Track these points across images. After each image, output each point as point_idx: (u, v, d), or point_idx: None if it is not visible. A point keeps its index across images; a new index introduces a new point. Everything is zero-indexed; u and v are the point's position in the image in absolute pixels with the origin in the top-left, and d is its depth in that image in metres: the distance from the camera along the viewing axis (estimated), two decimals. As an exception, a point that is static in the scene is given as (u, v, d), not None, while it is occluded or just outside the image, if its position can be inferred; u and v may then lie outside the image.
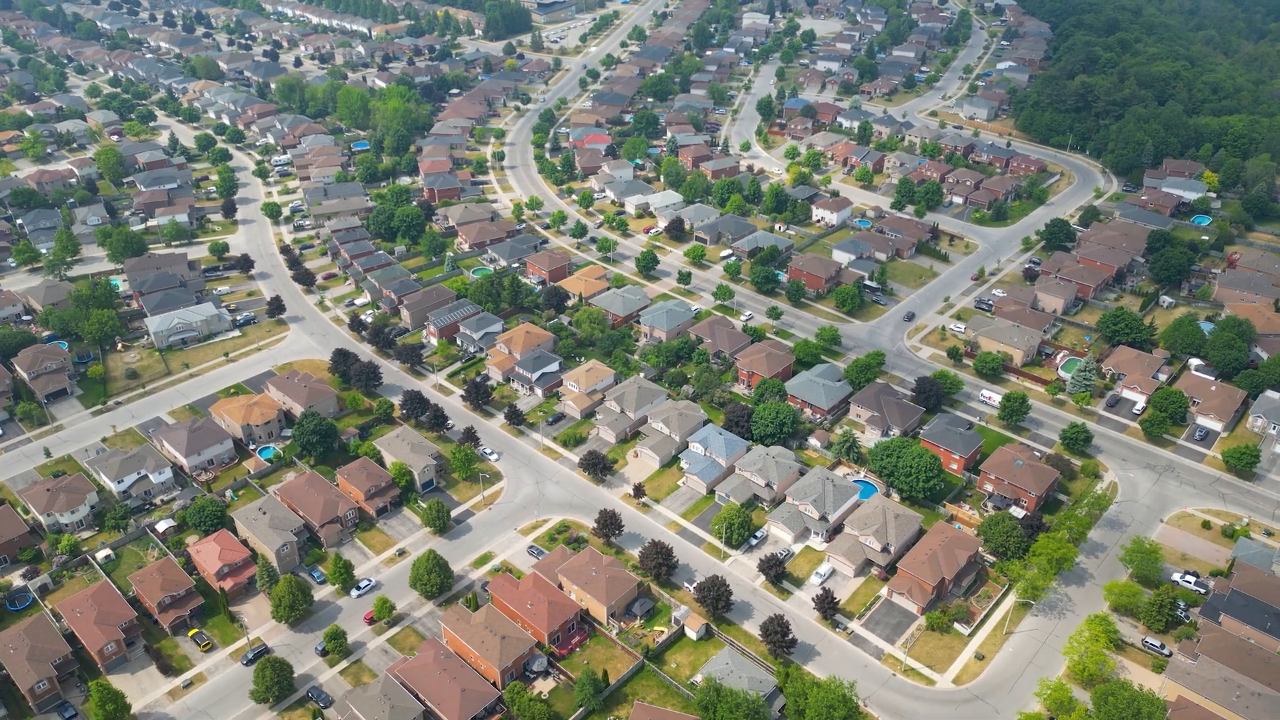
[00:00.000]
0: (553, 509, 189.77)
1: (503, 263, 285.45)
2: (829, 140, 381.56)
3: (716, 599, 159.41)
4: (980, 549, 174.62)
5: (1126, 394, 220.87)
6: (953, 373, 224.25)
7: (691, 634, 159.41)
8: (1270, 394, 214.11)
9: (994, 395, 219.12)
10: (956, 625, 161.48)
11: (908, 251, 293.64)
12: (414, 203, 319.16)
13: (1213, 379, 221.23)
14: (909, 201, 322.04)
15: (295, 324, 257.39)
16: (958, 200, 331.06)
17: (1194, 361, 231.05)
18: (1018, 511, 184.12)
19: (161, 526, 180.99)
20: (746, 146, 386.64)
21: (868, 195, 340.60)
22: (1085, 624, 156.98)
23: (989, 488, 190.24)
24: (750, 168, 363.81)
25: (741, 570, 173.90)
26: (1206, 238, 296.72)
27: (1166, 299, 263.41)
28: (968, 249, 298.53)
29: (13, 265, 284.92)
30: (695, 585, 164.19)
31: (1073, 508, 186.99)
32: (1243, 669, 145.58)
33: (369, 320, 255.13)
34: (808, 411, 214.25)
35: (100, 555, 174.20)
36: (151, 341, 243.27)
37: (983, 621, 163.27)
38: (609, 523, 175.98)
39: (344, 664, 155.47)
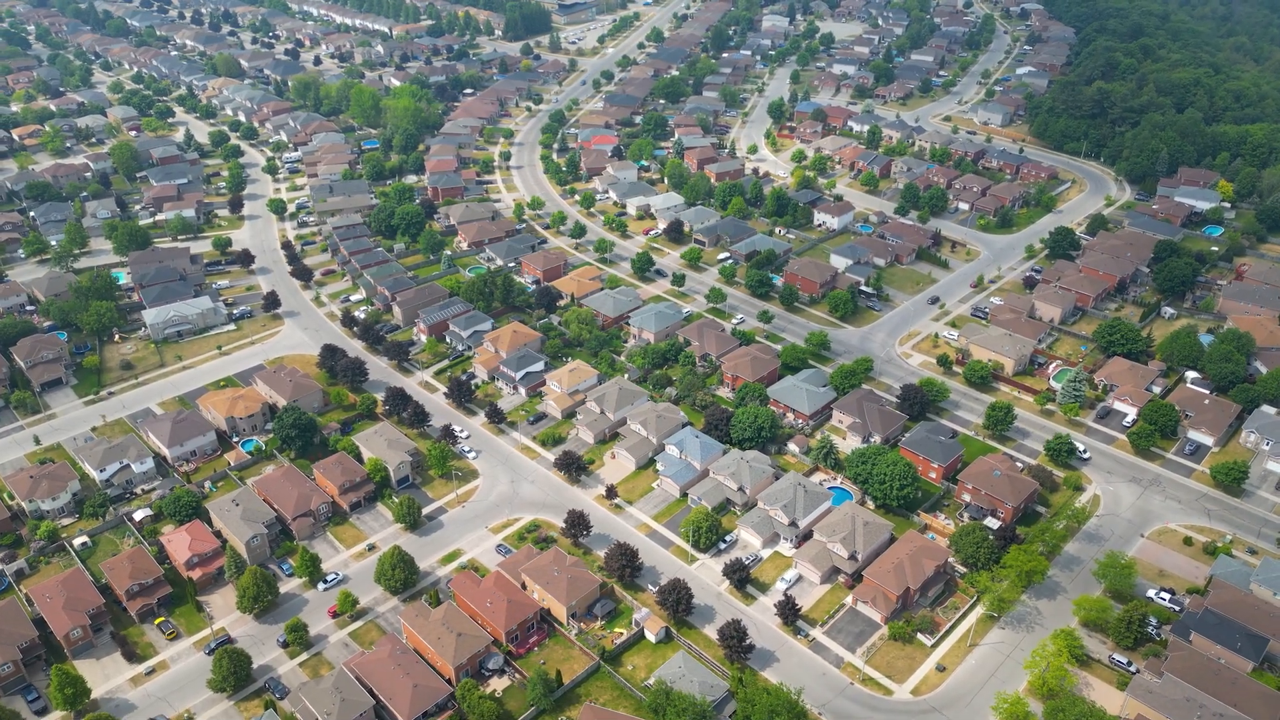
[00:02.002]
0: (526, 508, 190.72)
1: (499, 262, 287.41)
2: (837, 144, 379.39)
3: (677, 602, 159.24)
4: (950, 559, 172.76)
5: (1118, 406, 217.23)
6: (940, 380, 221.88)
7: (651, 636, 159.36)
8: (1265, 409, 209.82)
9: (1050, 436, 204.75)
10: (920, 635, 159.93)
11: (907, 257, 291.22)
12: (417, 201, 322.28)
13: (1207, 392, 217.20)
14: (913, 207, 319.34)
15: (290, 319, 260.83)
16: (964, 206, 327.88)
17: (1190, 374, 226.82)
18: (993, 522, 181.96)
19: (139, 515, 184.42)
20: (754, 149, 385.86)
21: (872, 200, 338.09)
22: (1050, 638, 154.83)
23: (966, 497, 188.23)
24: (755, 171, 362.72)
25: (708, 574, 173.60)
26: (1216, 248, 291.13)
27: (1168, 310, 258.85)
28: (969, 256, 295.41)
29: (23, 256, 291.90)
30: (657, 588, 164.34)
31: (1050, 520, 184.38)
32: (1209, 689, 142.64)
33: (361, 316, 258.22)
34: (790, 416, 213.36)
35: (77, 542, 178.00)
36: (148, 333, 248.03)
37: (947, 633, 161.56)
38: (577, 523, 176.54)
39: (304, 656, 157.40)
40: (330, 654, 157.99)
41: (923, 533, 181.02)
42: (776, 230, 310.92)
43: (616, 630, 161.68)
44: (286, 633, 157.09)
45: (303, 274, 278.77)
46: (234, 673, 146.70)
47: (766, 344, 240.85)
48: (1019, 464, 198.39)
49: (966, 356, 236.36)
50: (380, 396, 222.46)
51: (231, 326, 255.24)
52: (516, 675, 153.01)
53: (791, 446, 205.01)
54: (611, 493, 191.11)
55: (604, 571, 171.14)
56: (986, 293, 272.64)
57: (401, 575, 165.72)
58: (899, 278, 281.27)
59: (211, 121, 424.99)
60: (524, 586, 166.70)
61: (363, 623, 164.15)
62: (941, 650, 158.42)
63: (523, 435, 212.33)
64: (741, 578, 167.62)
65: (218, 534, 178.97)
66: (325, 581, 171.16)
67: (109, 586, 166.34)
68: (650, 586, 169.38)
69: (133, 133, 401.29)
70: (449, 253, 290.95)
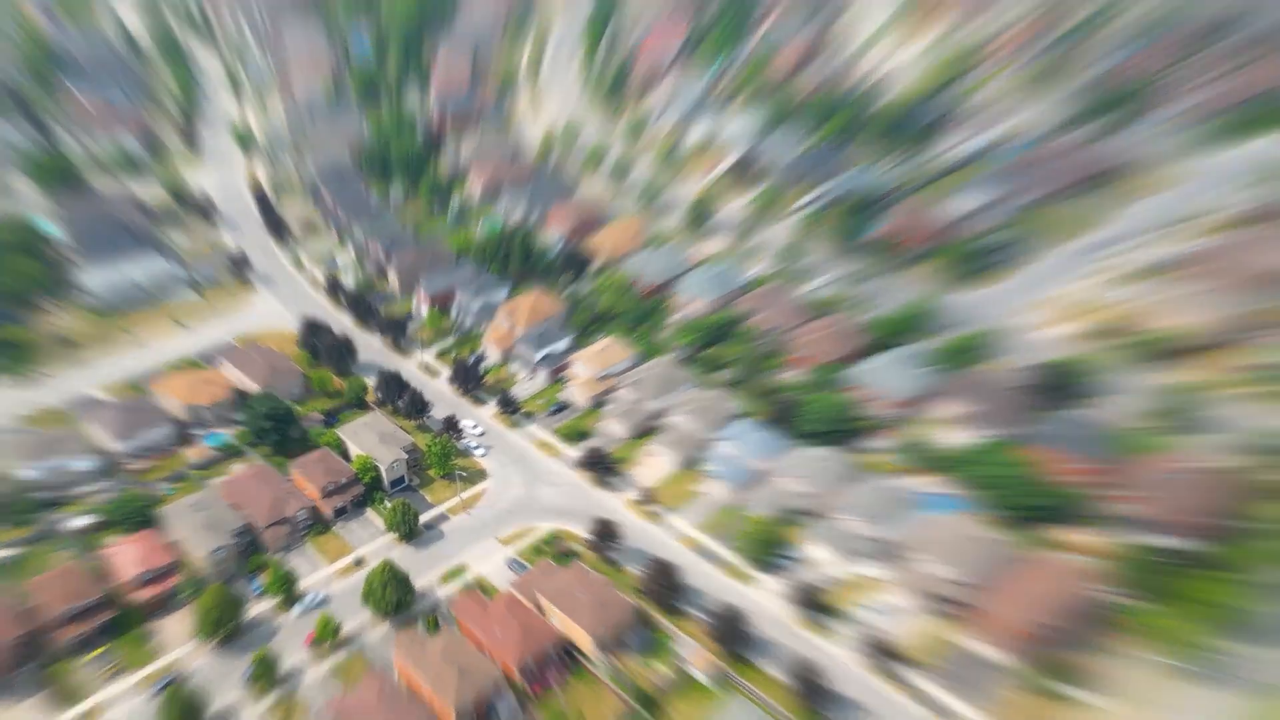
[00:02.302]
0: (543, 515, 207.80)
1: (520, 214, 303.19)
2: (1004, 18, 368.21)
3: (731, 633, 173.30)
4: (1103, 587, 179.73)
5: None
6: (1092, 356, 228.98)
7: (699, 675, 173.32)
8: None
9: None
10: (1063, 687, 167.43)
11: (1069, 190, 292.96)
12: (419, 129, 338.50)
13: None
14: (1099, 113, 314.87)
15: (264, 286, 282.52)
16: (1185, 105, 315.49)
17: None
18: (1168, 541, 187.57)
19: (77, 523, 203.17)
20: (874, 39, 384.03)
21: (1034, 106, 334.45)
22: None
23: (1128, 507, 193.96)
24: (872, 72, 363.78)
25: (769, 599, 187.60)
26: None
27: None
28: (1162, 184, 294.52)
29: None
30: (707, 615, 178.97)
31: (1259, 539, 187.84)
32: None
33: (349, 283, 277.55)
34: (879, 404, 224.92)
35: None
36: (88, 301, 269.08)
37: (1104, 685, 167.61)
38: (606, 534, 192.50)
39: (274, 696, 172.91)
40: (306, 694, 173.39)
41: (1059, 552, 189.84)
42: (884, 161, 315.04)
43: (656, 667, 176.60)
44: (253, 666, 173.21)
45: (278, 228, 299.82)
46: (185, 718, 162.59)
47: (853, 315, 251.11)
48: (1208, 465, 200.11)
49: (1138, 324, 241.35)
50: (371, 382, 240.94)
51: (192, 294, 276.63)
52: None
53: (879, 442, 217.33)
54: (648, 497, 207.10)
55: (639, 593, 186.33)
56: (1182, 234, 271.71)
57: (394, 596, 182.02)
58: (1050, 220, 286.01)
59: (148, 3, 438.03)
60: (541, 611, 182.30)
61: (346, 654, 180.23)
62: (1102, 709, 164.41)
63: (541, 428, 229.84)
64: (814, 604, 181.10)
65: (173, 546, 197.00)
66: (302, 603, 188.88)
67: (36, 611, 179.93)
68: (697, 613, 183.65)
69: (44, 19, 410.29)
70: (458, 201, 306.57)
